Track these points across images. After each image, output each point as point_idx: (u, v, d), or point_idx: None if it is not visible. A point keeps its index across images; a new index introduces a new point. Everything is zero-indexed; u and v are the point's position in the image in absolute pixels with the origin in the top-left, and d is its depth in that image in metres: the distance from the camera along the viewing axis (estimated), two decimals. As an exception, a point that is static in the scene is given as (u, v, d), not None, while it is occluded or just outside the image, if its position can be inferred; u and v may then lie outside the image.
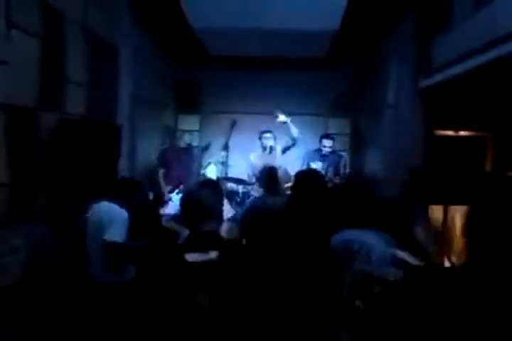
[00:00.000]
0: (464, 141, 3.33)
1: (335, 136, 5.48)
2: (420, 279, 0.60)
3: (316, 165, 5.08)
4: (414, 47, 4.00)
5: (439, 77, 3.50)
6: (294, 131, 4.67)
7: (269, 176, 3.35)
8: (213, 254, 1.65)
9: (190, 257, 1.62)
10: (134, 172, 4.53)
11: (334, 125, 6.63)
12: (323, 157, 5.05)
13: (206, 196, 1.86)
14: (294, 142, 4.78)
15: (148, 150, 5.22)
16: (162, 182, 4.96)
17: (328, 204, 2.79)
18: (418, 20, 3.96)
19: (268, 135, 4.83)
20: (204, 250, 1.64)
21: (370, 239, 2.12)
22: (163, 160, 5.07)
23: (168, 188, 4.79)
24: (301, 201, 2.77)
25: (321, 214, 2.68)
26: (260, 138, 4.88)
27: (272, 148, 4.80)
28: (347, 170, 5.71)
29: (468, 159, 3.25)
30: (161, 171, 4.99)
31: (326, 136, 5.19)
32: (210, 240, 1.72)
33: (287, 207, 2.79)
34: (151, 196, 4.43)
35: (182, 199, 1.89)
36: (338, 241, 2.18)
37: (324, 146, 5.03)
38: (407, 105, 4.14)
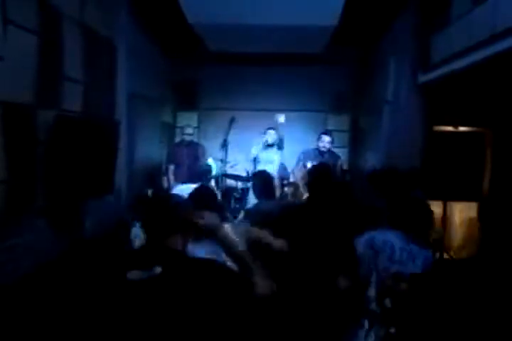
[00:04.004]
0: (463, 137, 3.34)
1: (334, 133, 5.50)
2: (442, 274, 0.60)
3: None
4: (413, 43, 3.99)
5: (438, 73, 3.49)
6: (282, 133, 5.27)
7: (263, 182, 3.25)
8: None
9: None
10: (133, 169, 4.52)
11: (333, 121, 6.62)
12: (321, 156, 4.98)
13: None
14: (279, 142, 5.30)
15: (146, 146, 5.21)
16: (172, 179, 4.96)
17: (346, 201, 2.75)
18: (417, 16, 3.94)
19: (271, 131, 5.20)
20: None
21: (390, 237, 2.17)
22: (173, 156, 5.06)
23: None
24: (320, 198, 2.71)
25: (342, 212, 2.63)
26: (265, 133, 5.20)
27: (271, 144, 5.20)
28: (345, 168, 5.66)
29: (467, 155, 3.25)
30: (171, 167, 4.99)
31: (325, 133, 5.20)
32: None
33: (307, 205, 2.70)
34: (149, 193, 4.41)
35: None
36: (361, 241, 2.24)
37: (322, 141, 4.99)
38: (406, 101, 4.13)
